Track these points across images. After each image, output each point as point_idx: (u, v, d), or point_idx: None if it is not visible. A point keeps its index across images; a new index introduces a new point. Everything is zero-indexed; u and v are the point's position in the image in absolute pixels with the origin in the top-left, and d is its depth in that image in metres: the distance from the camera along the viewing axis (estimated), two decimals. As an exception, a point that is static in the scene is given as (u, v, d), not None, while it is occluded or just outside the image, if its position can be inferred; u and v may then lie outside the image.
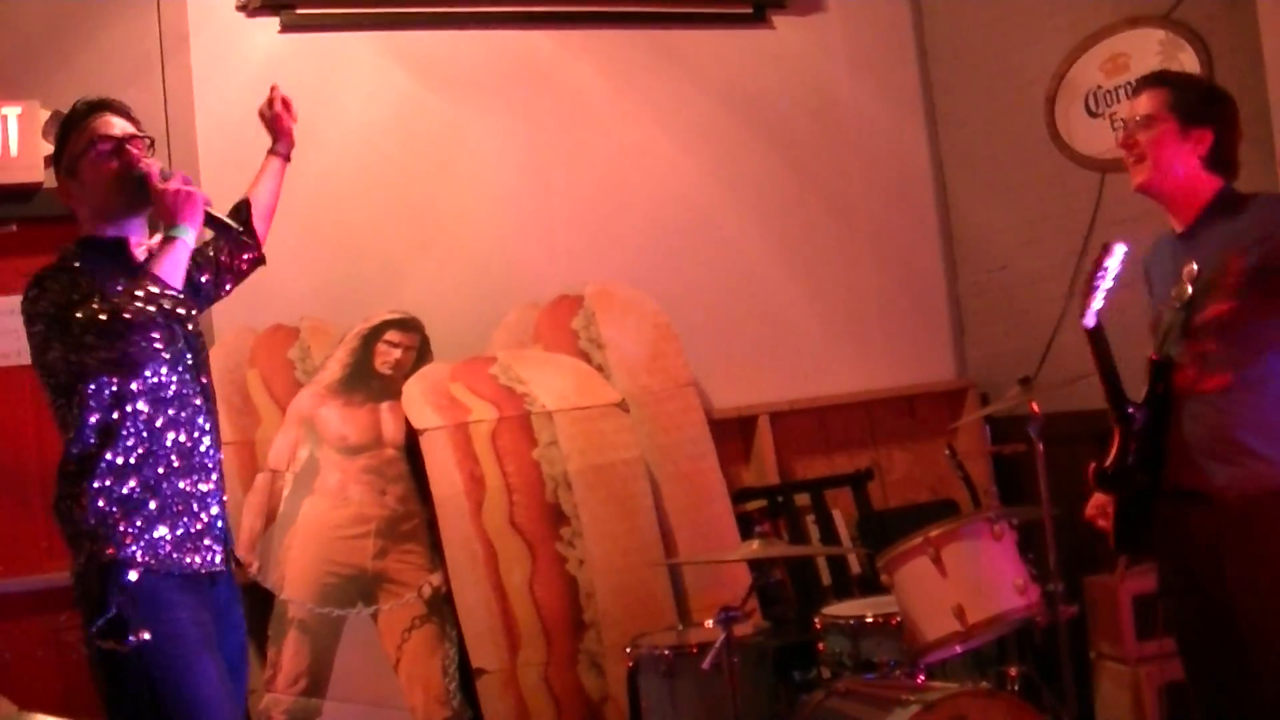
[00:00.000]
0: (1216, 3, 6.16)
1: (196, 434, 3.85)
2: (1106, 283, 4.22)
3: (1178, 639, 4.37)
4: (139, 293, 3.55)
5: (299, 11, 6.43)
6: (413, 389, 6.11)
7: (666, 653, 4.99)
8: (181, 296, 3.64)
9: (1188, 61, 6.30)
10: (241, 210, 4.34)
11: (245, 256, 4.34)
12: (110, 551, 3.59)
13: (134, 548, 3.62)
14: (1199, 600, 4.14)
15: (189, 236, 3.78)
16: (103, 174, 3.86)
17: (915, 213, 7.79)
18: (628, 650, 5.20)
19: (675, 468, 6.44)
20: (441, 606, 5.90)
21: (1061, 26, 6.91)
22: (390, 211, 6.54)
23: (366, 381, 6.12)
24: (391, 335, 6.15)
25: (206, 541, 3.80)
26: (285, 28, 6.42)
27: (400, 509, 5.95)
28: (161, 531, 3.68)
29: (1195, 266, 4.03)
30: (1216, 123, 4.16)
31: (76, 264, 3.73)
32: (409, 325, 6.25)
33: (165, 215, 3.78)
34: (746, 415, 7.05)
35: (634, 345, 6.55)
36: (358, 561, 5.81)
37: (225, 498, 3.97)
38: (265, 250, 4.36)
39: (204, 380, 3.96)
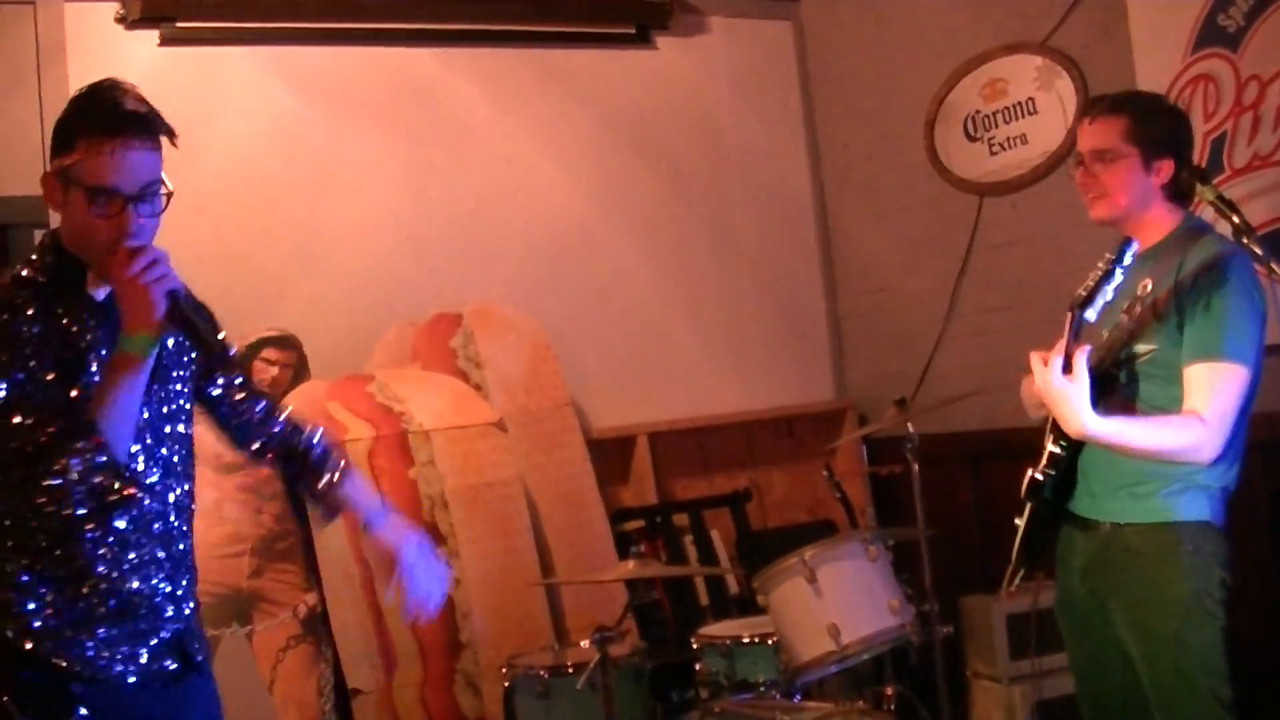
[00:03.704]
0: (1091, 31, 6.25)
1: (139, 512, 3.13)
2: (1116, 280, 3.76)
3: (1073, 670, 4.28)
4: (67, 459, 2.88)
5: (179, 25, 6.34)
6: (289, 407, 6.04)
7: (542, 673, 4.96)
8: (126, 474, 2.98)
9: (1064, 89, 6.40)
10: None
11: (254, 445, 3.76)
12: (8, 632, 2.99)
13: (33, 639, 2.99)
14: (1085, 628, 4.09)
15: (142, 350, 3.04)
16: (89, 229, 3.08)
17: (796, 234, 7.84)
18: (504, 670, 5.17)
19: (553, 488, 6.43)
20: (317, 626, 5.84)
21: (941, 51, 6.99)
22: (269, 228, 6.48)
23: (243, 399, 6.04)
24: (269, 353, 6.06)
25: (142, 654, 3.12)
26: (165, 41, 6.33)
27: (276, 528, 5.88)
28: (74, 623, 3.02)
29: (1149, 284, 3.74)
30: (1177, 148, 3.93)
31: (40, 281, 3.10)
32: (286, 343, 6.16)
33: (121, 313, 3.05)
34: (625, 435, 7.04)
35: (512, 365, 6.53)
36: (232, 581, 5.73)
37: (190, 589, 3.29)
38: None
39: (173, 430, 3.28)
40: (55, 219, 3.17)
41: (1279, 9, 5.41)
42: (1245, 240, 3.64)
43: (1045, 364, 3.70)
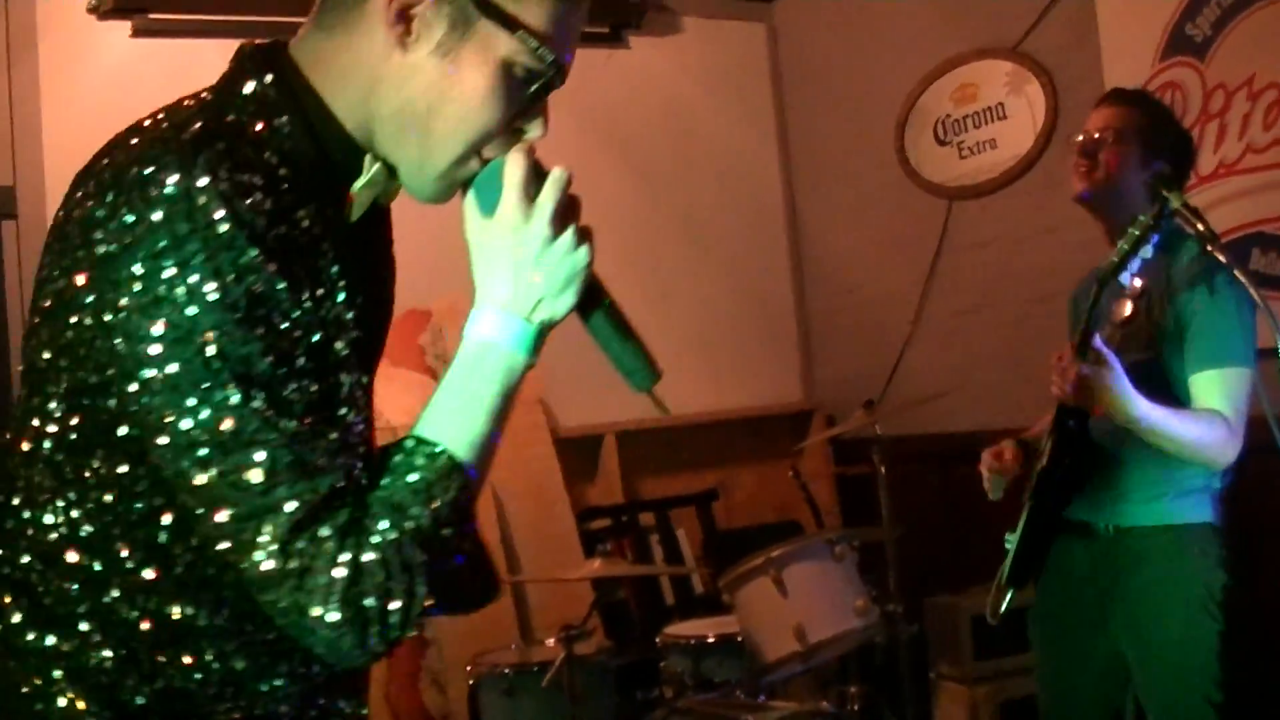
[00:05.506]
0: (1062, 36, 6.27)
1: None
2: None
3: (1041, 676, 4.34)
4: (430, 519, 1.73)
5: (152, 16, 6.29)
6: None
7: (507, 670, 4.97)
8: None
9: (1034, 94, 6.41)
10: None
11: None
12: None
13: None
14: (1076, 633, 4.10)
15: (521, 358, 1.90)
16: (483, 103, 1.90)
17: (766, 234, 7.84)
18: (469, 668, 5.16)
19: (520, 485, 6.42)
20: (283, 622, 5.83)
21: (913, 55, 7.01)
22: (238, 222, 6.45)
23: (210, 393, 6.02)
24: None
25: None
26: (137, 32, 6.29)
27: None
28: None
29: (1139, 283, 3.68)
30: (1176, 162, 3.98)
31: (277, 168, 1.78)
32: (255, 337, 6.14)
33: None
34: (593, 434, 7.02)
35: (482, 362, 6.50)
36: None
37: None
38: None
39: None
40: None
41: (1246, 19, 5.45)
42: (1210, 248, 3.63)
43: (1063, 366, 3.69)
